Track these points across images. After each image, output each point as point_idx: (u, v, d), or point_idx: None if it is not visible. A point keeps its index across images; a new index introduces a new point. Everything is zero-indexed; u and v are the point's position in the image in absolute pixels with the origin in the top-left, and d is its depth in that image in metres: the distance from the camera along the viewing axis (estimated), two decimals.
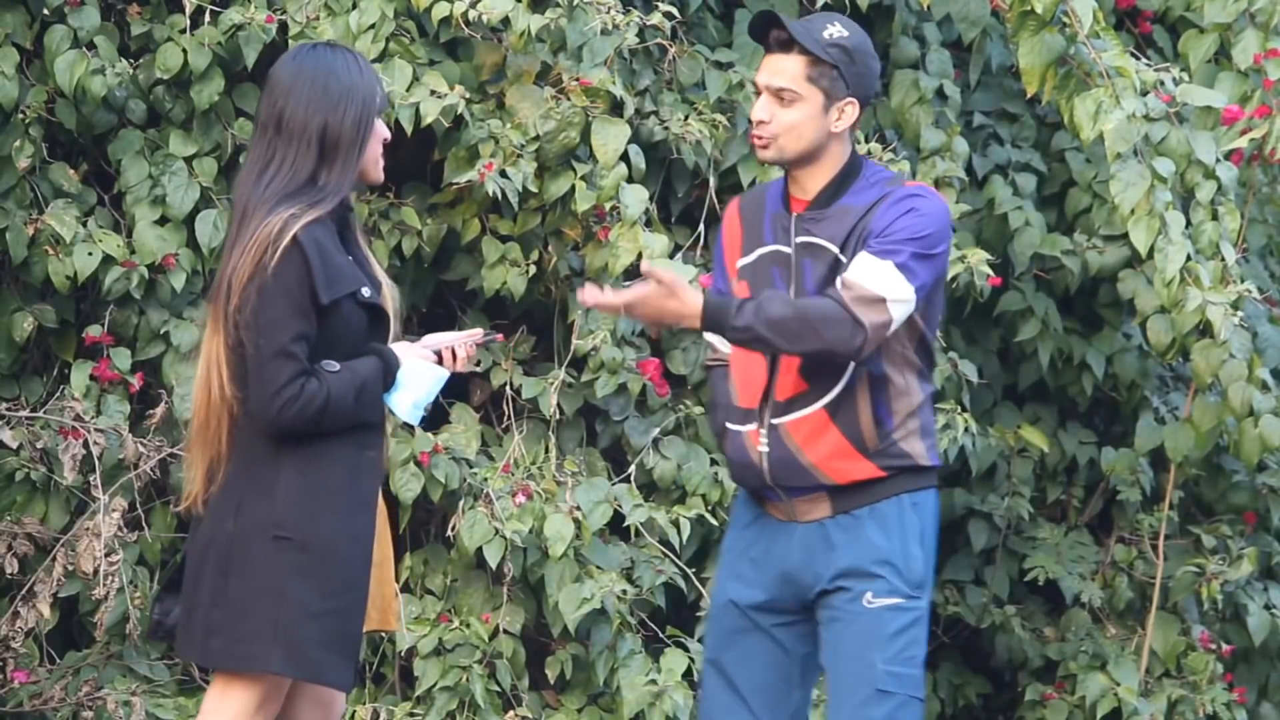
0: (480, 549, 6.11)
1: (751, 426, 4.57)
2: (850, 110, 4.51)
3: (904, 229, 4.45)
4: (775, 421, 4.54)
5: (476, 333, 4.64)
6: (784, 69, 4.50)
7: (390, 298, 4.49)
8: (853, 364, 4.47)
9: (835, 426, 4.50)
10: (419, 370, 4.44)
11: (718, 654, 4.66)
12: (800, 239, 4.52)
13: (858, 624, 4.50)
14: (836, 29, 4.49)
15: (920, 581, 4.55)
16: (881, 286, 4.40)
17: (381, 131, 4.48)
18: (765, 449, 4.54)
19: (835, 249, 4.48)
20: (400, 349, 4.45)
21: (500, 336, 4.79)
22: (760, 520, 4.64)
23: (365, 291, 4.38)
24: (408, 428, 6.24)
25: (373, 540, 4.42)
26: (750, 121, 4.58)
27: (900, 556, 4.52)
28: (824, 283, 4.48)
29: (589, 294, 4.44)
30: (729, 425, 4.63)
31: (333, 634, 4.33)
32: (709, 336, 4.71)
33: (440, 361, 4.53)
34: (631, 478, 6.46)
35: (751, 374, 4.57)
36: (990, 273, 6.68)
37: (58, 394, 6.11)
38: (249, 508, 4.32)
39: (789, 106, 4.49)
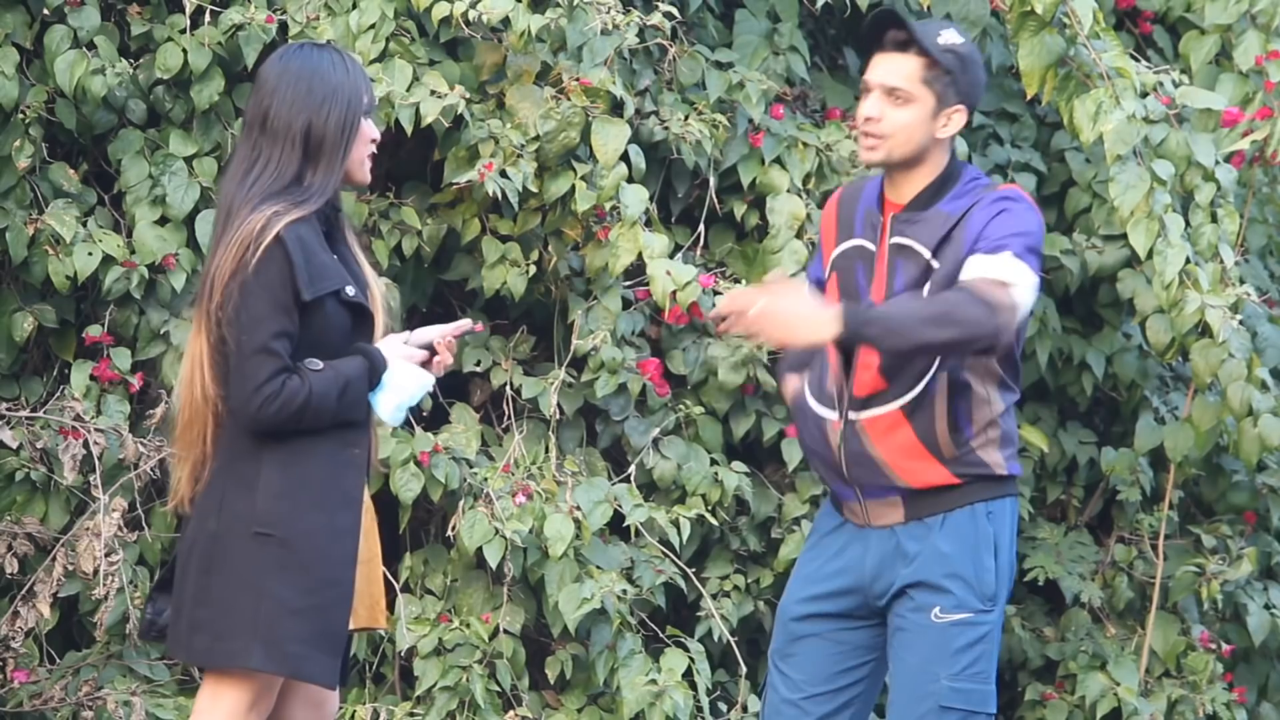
0: (480, 549, 6.11)
1: (834, 416, 4.57)
2: (958, 118, 4.51)
3: (1004, 226, 4.43)
4: (853, 416, 4.54)
5: (465, 323, 4.63)
6: (900, 69, 4.50)
7: (380, 297, 4.49)
8: (933, 368, 4.47)
9: (910, 427, 4.50)
10: (405, 373, 4.45)
11: (781, 659, 4.69)
12: (894, 240, 4.52)
13: (924, 638, 4.51)
14: (952, 35, 4.50)
15: (992, 594, 4.53)
16: (1005, 274, 4.37)
17: (369, 132, 4.47)
18: (841, 441, 4.55)
19: (927, 253, 4.49)
20: (388, 348, 4.46)
21: (479, 327, 4.77)
22: (839, 530, 4.65)
23: (349, 290, 4.38)
24: (408, 427, 6.24)
25: (358, 538, 4.42)
26: (859, 121, 4.55)
27: (971, 569, 4.51)
28: (913, 285, 4.48)
29: (724, 304, 4.38)
30: (816, 407, 4.60)
31: (315, 630, 4.33)
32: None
33: (431, 360, 4.54)
34: (631, 478, 6.46)
35: (836, 366, 4.58)
36: None
37: (58, 394, 6.10)
38: (231, 505, 4.33)
39: (902, 107, 4.49)
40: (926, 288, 4.47)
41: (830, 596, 4.63)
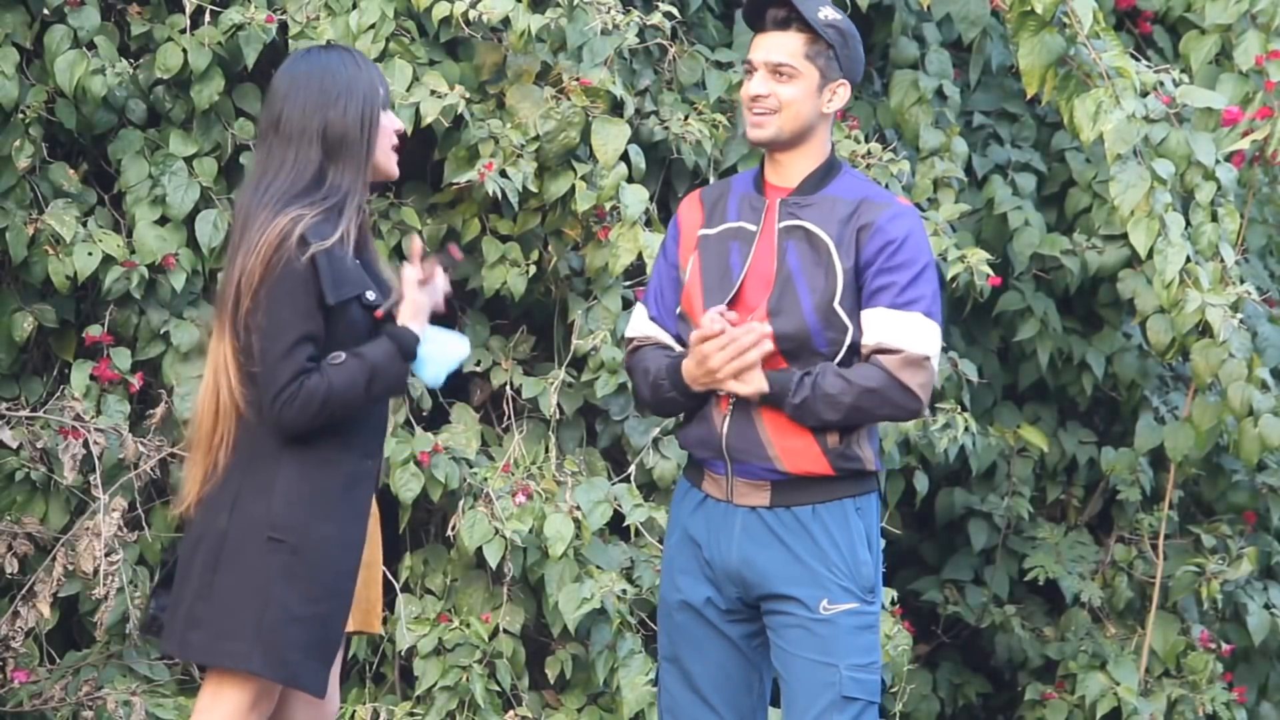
0: (480, 549, 6.11)
1: (722, 392, 4.57)
2: (842, 92, 4.56)
3: (909, 261, 4.48)
4: None
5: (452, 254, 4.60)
6: (783, 45, 4.54)
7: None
8: (835, 360, 4.51)
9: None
10: (441, 341, 4.45)
11: (674, 651, 4.66)
12: (785, 223, 4.53)
13: (816, 630, 4.50)
14: (830, 11, 4.56)
15: (871, 586, 4.55)
16: (922, 345, 4.47)
17: (391, 124, 4.45)
18: (728, 414, 4.54)
19: (827, 237, 4.50)
20: (411, 319, 4.42)
21: (455, 252, 4.69)
22: (701, 509, 4.63)
23: (370, 295, 4.37)
24: (407, 427, 6.25)
25: (363, 548, 4.43)
26: (745, 101, 4.58)
27: (850, 562, 4.52)
28: (810, 265, 4.50)
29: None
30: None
31: (314, 639, 4.33)
32: (645, 326, 4.70)
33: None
34: (631, 477, 6.46)
35: None
36: (990, 272, 6.68)
37: (58, 394, 6.10)
38: (246, 506, 4.32)
39: (787, 83, 4.53)
40: (838, 286, 4.47)
41: (707, 578, 4.60)
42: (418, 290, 4.46)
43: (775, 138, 4.55)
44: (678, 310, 4.64)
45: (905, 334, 4.46)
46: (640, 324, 4.71)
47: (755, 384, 4.48)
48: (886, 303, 4.47)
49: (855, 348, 4.50)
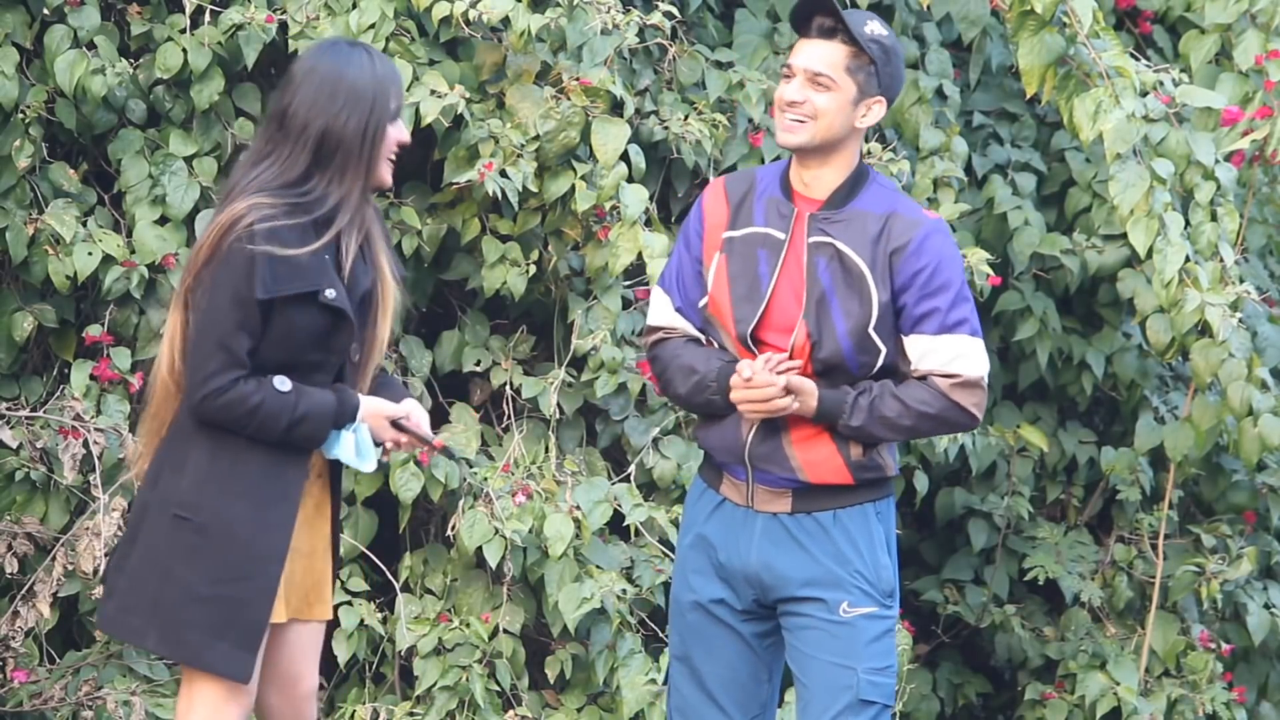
0: (480, 549, 6.11)
1: None
2: (877, 109, 4.51)
3: (947, 281, 4.46)
4: None
5: (433, 440, 4.57)
6: (825, 55, 4.48)
7: (390, 300, 4.45)
8: (869, 376, 4.51)
9: (826, 430, 4.52)
10: (363, 440, 4.41)
11: (685, 650, 4.66)
12: (814, 238, 4.50)
13: (836, 633, 4.50)
14: (876, 26, 4.51)
15: (890, 590, 4.56)
16: (974, 367, 4.47)
17: (395, 136, 4.40)
18: (754, 424, 4.52)
19: (860, 261, 4.46)
20: (368, 410, 4.41)
21: (439, 444, 4.71)
22: (719, 512, 4.62)
23: (329, 293, 4.31)
24: None
25: (290, 532, 4.35)
26: (779, 104, 4.53)
27: (870, 566, 4.52)
28: (844, 288, 4.47)
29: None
30: None
31: (220, 620, 4.29)
32: (670, 316, 4.67)
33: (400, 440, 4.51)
34: (631, 477, 6.46)
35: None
36: (990, 272, 6.69)
37: (58, 394, 6.10)
38: (163, 482, 4.34)
39: (824, 92, 4.48)
40: (874, 313, 4.45)
41: (723, 579, 4.60)
42: (396, 417, 4.46)
43: (806, 144, 4.49)
44: (702, 304, 4.60)
45: (957, 358, 4.46)
46: (664, 313, 4.66)
47: (796, 409, 4.47)
48: (933, 329, 4.45)
49: (888, 369, 4.50)
